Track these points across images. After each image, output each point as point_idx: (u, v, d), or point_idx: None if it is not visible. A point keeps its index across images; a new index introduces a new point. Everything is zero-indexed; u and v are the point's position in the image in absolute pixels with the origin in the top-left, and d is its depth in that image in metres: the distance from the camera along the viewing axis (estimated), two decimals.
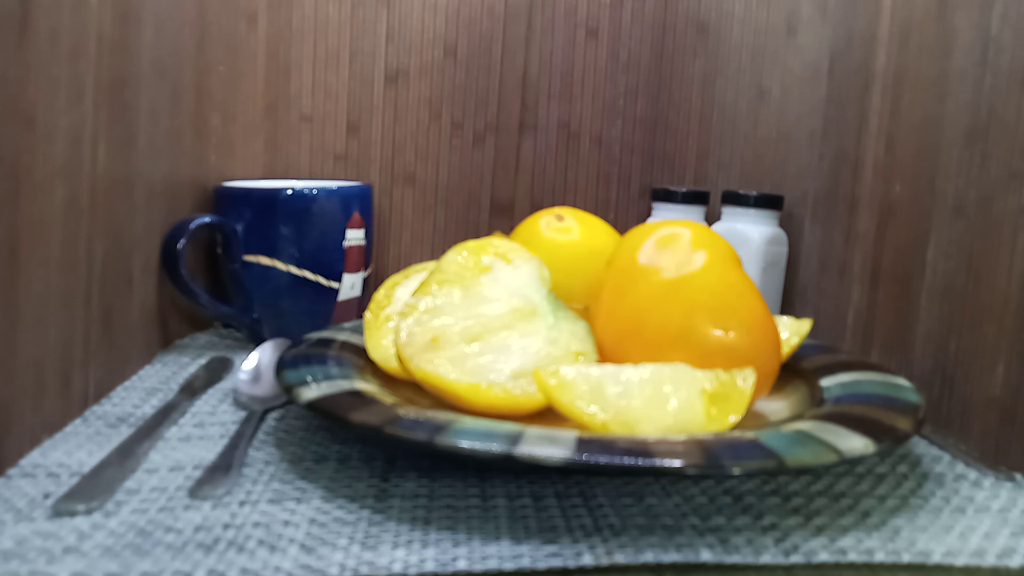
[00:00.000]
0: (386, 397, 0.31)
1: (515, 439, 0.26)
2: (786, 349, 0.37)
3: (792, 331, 0.38)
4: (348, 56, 0.60)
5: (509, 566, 0.23)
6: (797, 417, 0.32)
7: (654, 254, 0.34)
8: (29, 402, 0.29)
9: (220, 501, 0.27)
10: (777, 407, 0.35)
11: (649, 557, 0.24)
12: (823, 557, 0.24)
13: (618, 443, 0.26)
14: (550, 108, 0.62)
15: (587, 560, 0.24)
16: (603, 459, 0.24)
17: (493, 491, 0.29)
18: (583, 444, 0.25)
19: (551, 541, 0.25)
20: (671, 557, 0.24)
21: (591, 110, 0.62)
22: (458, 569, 0.23)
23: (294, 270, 0.46)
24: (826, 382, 0.35)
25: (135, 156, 0.38)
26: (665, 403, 0.29)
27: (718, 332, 0.32)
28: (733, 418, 0.29)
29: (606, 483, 0.30)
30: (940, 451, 0.34)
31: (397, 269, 0.62)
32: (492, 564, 0.23)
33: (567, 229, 0.42)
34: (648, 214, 0.62)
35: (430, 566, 0.23)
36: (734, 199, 0.52)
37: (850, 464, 0.31)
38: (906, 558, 0.24)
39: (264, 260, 0.46)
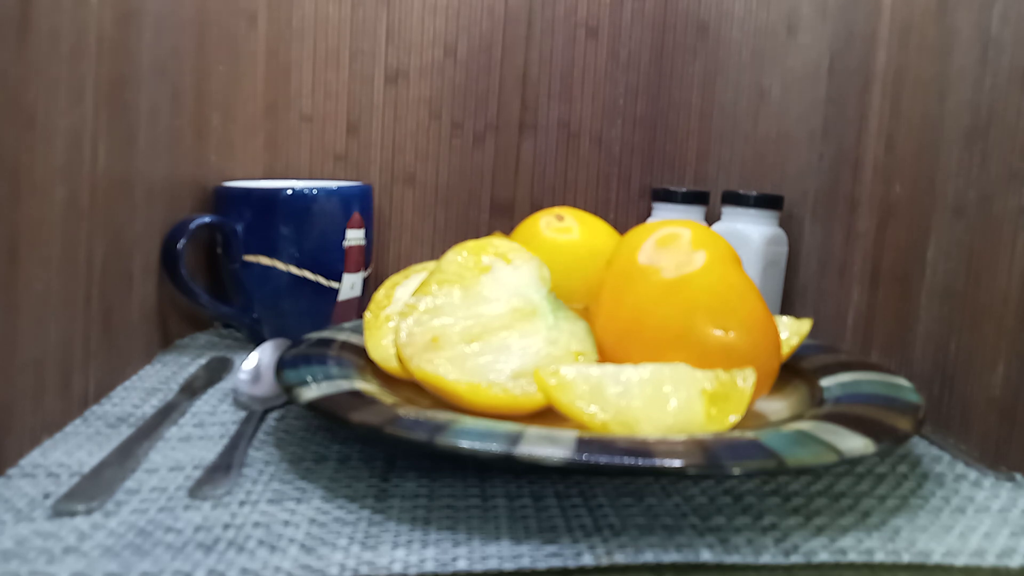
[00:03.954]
0: (386, 397, 0.31)
1: (515, 439, 0.26)
2: (786, 349, 0.37)
3: (792, 331, 0.38)
4: (348, 56, 0.60)
5: (509, 566, 0.23)
6: (797, 417, 0.32)
7: (654, 254, 0.34)
8: (29, 402, 0.29)
9: (220, 501, 0.27)
10: (777, 407, 0.35)
11: (649, 557, 0.24)
12: (823, 557, 0.24)
13: (618, 443, 0.26)
14: (550, 108, 0.62)
15: (587, 560, 0.24)
16: (603, 459, 0.24)
17: (493, 491, 0.29)
18: (583, 444, 0.25)
19: (551, 541, 0.25)
20: (671, 557, 0.24)
21: (591, 110, 0.62)
22: (458, 569, 0.23)
23: (294, 270, 0.46)
24: (826, 382, 0.35)
25: (135, 156, 0.38)
26: (665, 403, 0.29)
27: (718, 332, 0.32)
28: (733, 418, 0.29)
29: (606, 483, 0.30)
30: (940, 451, 0.34)
31: (397, 269, 0.62)
32: (492, 564, 0.23)
33: (567, 229, 0.42)
34: (648, 214, 0.62)
35: (430, 566, 0.23)
36: (734, 199, 0.52)
37: (850, 464, 0.31)
38: (906, 558, 0.24)
39: (264, 260, 0.46)
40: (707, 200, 0.57)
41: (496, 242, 0.38)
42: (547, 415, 0.32)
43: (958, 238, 0.36)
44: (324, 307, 0.48)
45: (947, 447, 0.34)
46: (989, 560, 0.25)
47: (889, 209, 0.42)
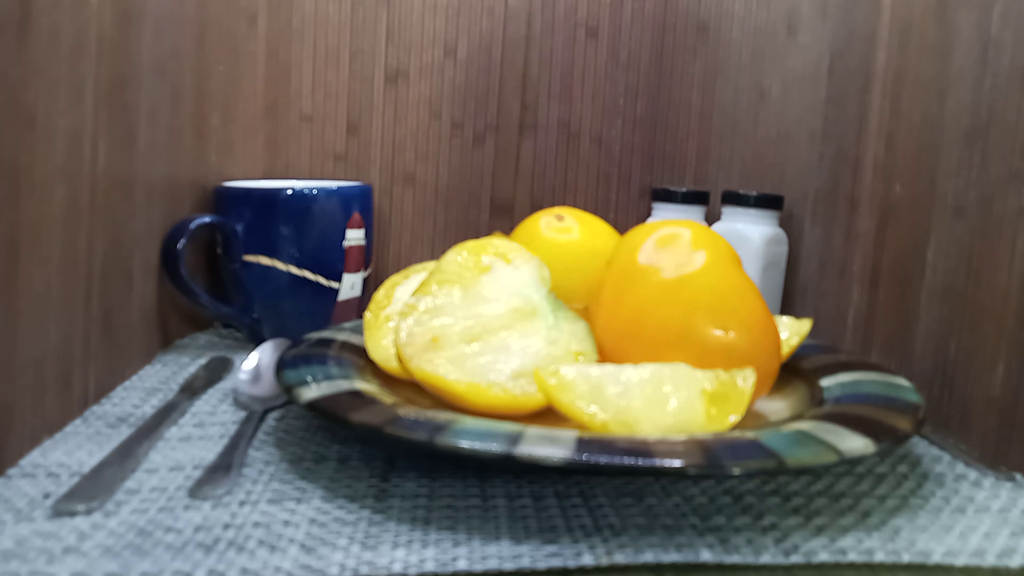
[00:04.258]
0: (386, 397, 0.31)
1: (515, 439, 0.26)
2: (786, 349, 0.37)
3: (792, 331, 0.38)
4: (348, 56, 0.60)
5: (509, 566, 0.23)
6: (797, 417, 0.32)
7: (654, 254, 0.34)
8: (29, 402, 0.29)
9: (220, 501, 0.27)
10: (777, 407, 0.35)
11: (649, 557, 0.24)
12: (823, 557, 0.24)
13: (618, 443, 0.26)
14: (550, 108, 0.62)
15: (587, 560, 0.24)
16: (603, 459, 0.24)
17: (493, 491, 0.29)
18: (583, 444, 0.25)
19: (551, 541, 0.25)
20: (671, 557, 0.24)
21: (591, 110, 0.62)
22: (458, 569, 0.23)
23: (294, 270, 0.46)
24: (826, 382, 0.35)
25: (135, 156, 0.38)
26: (665, 403, 0.29)
27: (718, 332, 0.32)
28: (733, 418, 0.29)
29: (606, 483, 0.30)
30: (940, 451, 0.34)
31: (397, 269, 0.62)
32: (492, 564, 0.23)
33: (567, 229, 0.42)
34: (648, 214, 0.62)
35: (430, 566, 0.23)
36: (734, 199, 0.52)
37: (850, 464, 0.31)
38: (906, 558, 0.24)
39: (264, 260, 0.46)
40: (707, 200, 0.57)
41: (496, 242, 0.38)
42: (547, 415, 0.32)
43: (958, 238, 0.36)
44: (324, 307, 0.48)
45: (947, 447, 0.34)
46: (989, 560, 0.25)
47: (889, 209, 0.42)
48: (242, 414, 0.35)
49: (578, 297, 0.39)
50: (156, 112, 0.40)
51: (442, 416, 0.28)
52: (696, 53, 0.63)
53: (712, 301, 0.32)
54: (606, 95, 0.62)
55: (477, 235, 0.62)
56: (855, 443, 0.26)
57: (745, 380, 0.30)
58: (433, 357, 0.32)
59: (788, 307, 0.53)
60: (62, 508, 0.25)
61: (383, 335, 0.36)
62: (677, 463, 0.24)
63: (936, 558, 0.25)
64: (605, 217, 0.63)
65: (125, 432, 0.32)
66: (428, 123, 0.61)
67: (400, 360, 0.33)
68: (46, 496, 0.26)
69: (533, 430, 0.27)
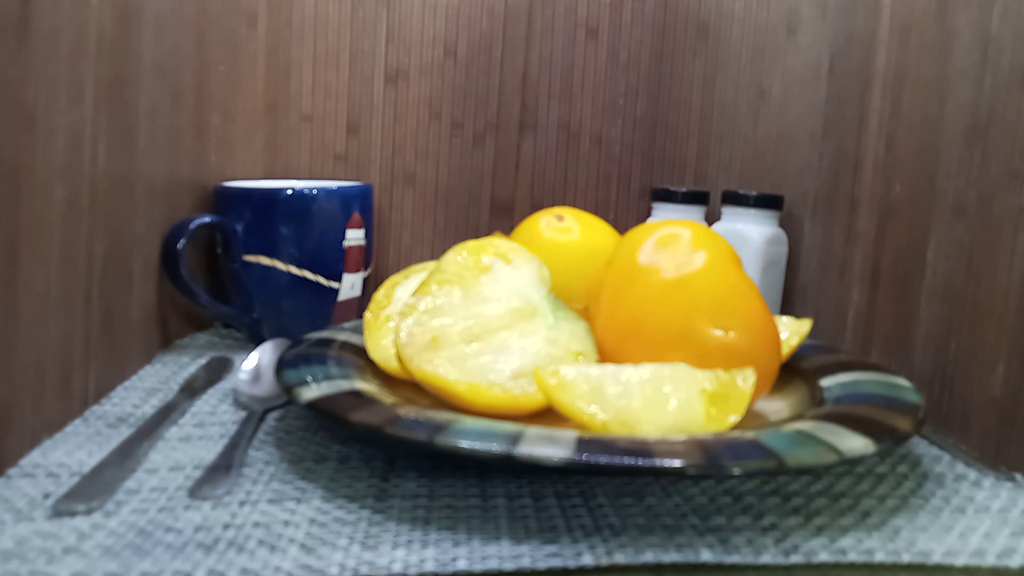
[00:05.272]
0: (386, 397, 0.31)
1: (515, 439, 0.26)
2: (786, 349, 0.37)
3: (792, 331, 0.38)
4: (348, 56, 0.60)
5: (509, 566, 0.23)
6: (797, 417, 0.32)
7: (654, 254, 0.34)
8: (29, 402, 0.29)
9: (220, 501, 0.27)
10: (777, 407, 0.35)
11: (649, 557, 0.24)
12: (823, 557, 0.24)
13: (618, 443, 0.26)
14: (550, 108, 0.62)
15: (587, 560, 0.24)
16: (603, 459, 0.24)
17: (493, 491, 0.29)
18: (583, 444, 0.25)
19: (551, 541, 0.25)
20: (671, 557, 0.24)
21: (591, 110, 0.62)
22: (458, 569, 0.23)
23: (294, 270, 0.46)
24: (826, 382, 0.35)
25: (135, 156, 0.38)
26: (665, 403, 0.29)
27: (718, 332, 0.32)
28: (733, 418, 0.29)
29: (606, 483, 0.30)
30: (940, 451, 0.34)
31: (397, 269, 0.62)
32: (492, 564, 0.23)
33: (567, 229, 0.42)
34: (648, 214, 0.62)
35: (430, 566, 0.23)
36: (734, 199, 0.52)
37: (850, 464, 0.31)
38: (906, 558, 0.24)
39: (264, 260, 0.46)
40: (707, 200, 0.57)
41: (496, 242, 0.38)
42: (547, 415, 0.32)
43: (958, 238, 0.36)
44: (324, 307, 0.48)
45: (947, 447, 0.34)
46: (989, 560, 0.25)
47: (889, 209, 0.42)
48: (242, 414, 0.35)
49: (578, 297, 0.39)
50: (156, 112, 0.40)
51: (442, 416, 0.28)
52: (696, 53, 0.63)
53: (712, 301, 0.32)
54: (606, 95, 0.62)
55: (477, 235, 0.62)
56: (855, 443, 0.26)
57: (745, 380, 0.30)
58: (433, 357, 0.32)
59: (788, 307, 0.53)
60: (62, 508, 0.25)
61: (383, 335, 0.36)
62: (677, 463, 0.24)
63: (936, 558, 0.25)
64: (605, 217, 0.63)
65: (125, 432, 0.32)
66: (428, 123, 0.61)
67: (400, 360, 0.33)
68: (46, 496, 0.26)
69: (533, 430, 0.27)
